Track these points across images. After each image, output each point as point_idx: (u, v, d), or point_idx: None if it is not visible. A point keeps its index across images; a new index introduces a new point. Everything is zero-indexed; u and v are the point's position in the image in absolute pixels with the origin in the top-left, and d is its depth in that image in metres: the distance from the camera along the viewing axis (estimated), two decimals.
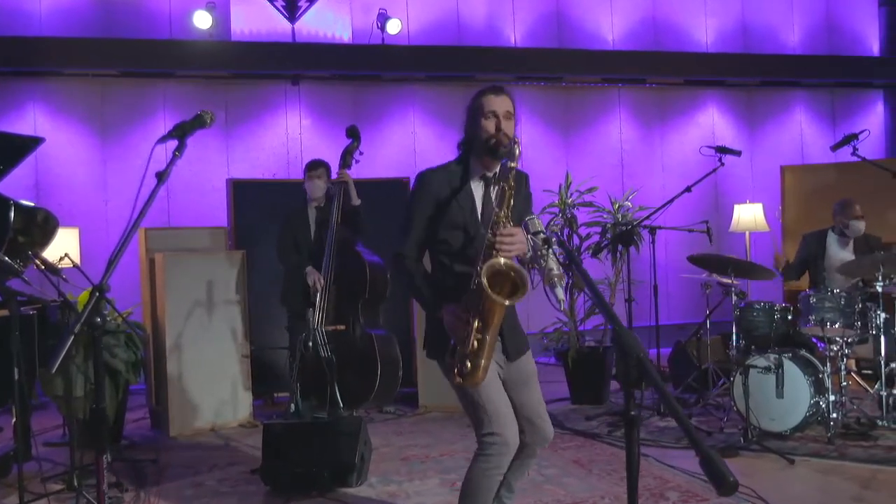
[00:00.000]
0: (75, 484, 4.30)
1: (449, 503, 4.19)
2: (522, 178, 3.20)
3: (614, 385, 6.85)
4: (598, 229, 6.74)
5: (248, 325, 6.36)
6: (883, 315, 5.34)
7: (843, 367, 5.41)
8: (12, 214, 4.66)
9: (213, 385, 6.15)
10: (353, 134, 5.69)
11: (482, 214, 3.09)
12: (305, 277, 5.67)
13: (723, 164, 5.97)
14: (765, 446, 4.93)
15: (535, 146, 9.05)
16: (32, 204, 5.09)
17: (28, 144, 4.99)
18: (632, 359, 1.86)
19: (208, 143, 8.32)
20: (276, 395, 6.98)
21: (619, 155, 9.75)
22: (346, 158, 5.70)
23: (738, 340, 5.51)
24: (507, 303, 2.80)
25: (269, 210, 6.66)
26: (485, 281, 2.76)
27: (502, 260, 2.82)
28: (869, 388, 5.94)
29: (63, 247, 5.51)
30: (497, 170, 3.11)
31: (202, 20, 8.24)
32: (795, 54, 10.30)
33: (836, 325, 5.26)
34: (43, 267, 4.49)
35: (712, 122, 10.11)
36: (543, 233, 2.67)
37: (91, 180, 8.20)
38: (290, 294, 5.89)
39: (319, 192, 5.90)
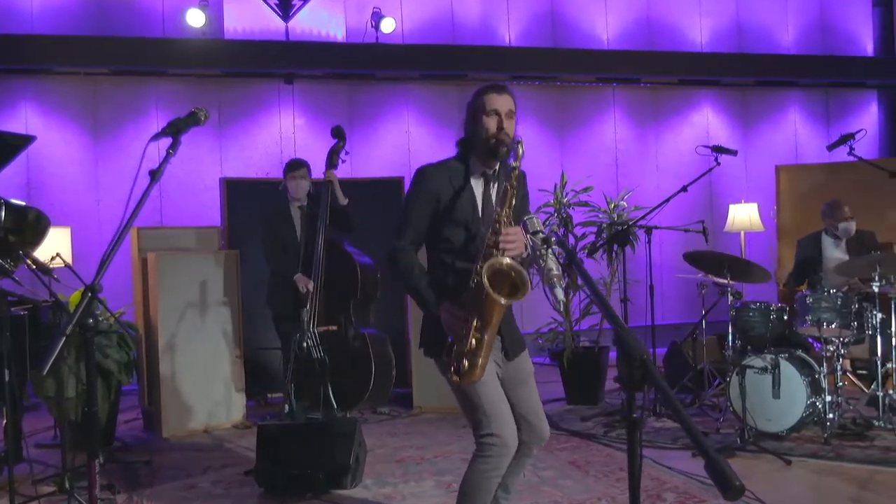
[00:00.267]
0: (67, 486, 4.26)
1: None
2: (521, 177, 3.18)
3: (609, 385, 6.83)
4: (594, 229, 6.72)
5: (242, 326, 6.32)
6: (879, 315, 5.33)
7: (838, 368, 5.39)
8: (3, 213, 4.61)
9: (206, 386, 6.11)
10: (338, 134, 5.67)
11: (482, 213, 3.06)
12: (296, 284, 5.62)
13: (719, 164, 5.95)
14: (761, 447, 4.91)
15: (529, 145, 8.88)
16: (24, 203, 5.04)
17: (19, 143, 4.93)
18: (635, 361, 1.83)
19: (201, 142, 8.28)
20: (269, 395, 6.94)
21: (613, 154, 9.74)
22: (333, 158, 5.67)
23: (734, 340, 5.50)
24: (506, 302, 2.77)
25: (262, 209, 6.60)
26: (486, 280, 2.73)
27: (504, 260, 2.80)
28: (865, 389, 5.93)
29: (54, 246, 5.45)
30: (497, 167, 3.08)
31: (195, 18, 8.19)
32: (790, 54, 10.31)
33: (833, 326, 5.25)
34: (34, 267, 4.45)
35: (707, 121, 10.10)
36: (542, 232, 2.64)
37: (83, 179, 8.14)
38: (277, 296, 5.84)
39: (303, 191, 5.86)
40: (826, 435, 5.08)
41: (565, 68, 9.40)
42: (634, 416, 1.92)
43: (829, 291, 5.35)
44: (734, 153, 6.03)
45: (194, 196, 8.31)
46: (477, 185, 3.10)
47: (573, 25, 9.66)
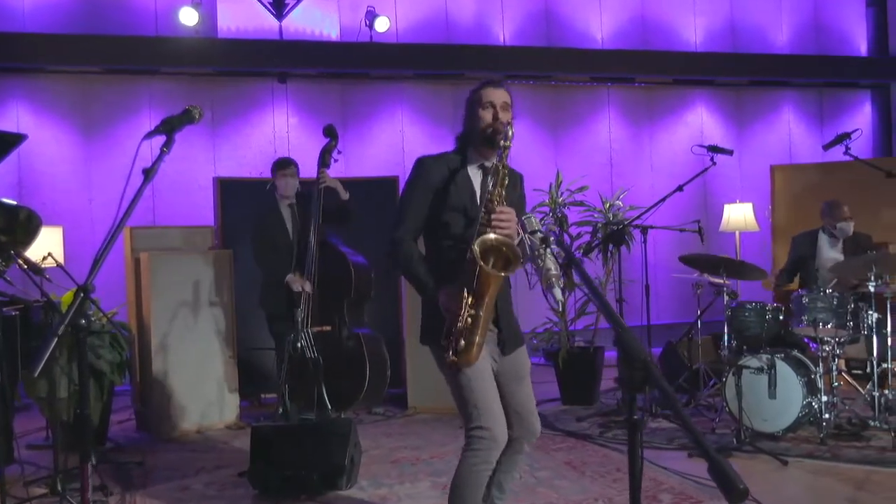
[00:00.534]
0: (59, 488, 4.23)
1: None
2: (517, 178, 3.21)
3: (604, 385, 6.82)
4: (589, 229, 6.70)
5: (235, 326, 6.28)
6: (875, 315, 5.32)
7: (834, 368, 5.39)
8: None
9: (199, 386, 6.07)
10: (330, 133, 5.64)
11: (481, 201, 3.06)
12: (290, 285, 5.58)
13: (714, 164, 5.94)
14: (758, 447, 4.89)
15: (524, 145, 8.99)
16: (15, 202, 4.99)
17: (10, 141, 4.88)
18: (636, 362, 1.81)
19: (194, 141, 8.23)
20: (263, 396, 6.90)
21: (608, 154, 9.72)
22: (325, 158, 5.64)
23: (729, 341, 5.48)
24: (496, 273, 2.77)
25: (255, 209, 6.57)
26: (477, 251, 2.73)
27: (493, 235, 2.82)
28: (860, 389, 5.93)
29: (46, 246, 5.41)
30: (494, 160, 3.09)
31: (188, 17, 8.15)
32: (784, 54, 10.31)
33: (829, 326, 5.23)
34: (26, 266, 4.41)
35: (701, 121, 10.10)
36: (541, 232, 2.62)
37: (75, 178, 8.09)
38: (270, 296, 5.79)
39: (293, 189, 5.85)
40: (822, 435, 5.07)
41: (560, 67, 9.39)
42: (635, 417, 1.90)
43: (825, 291, 5.33)
44: (730, 153, 6.03)
45: (187, 195, 8.27)
46: (475, 176, 3.13)
47: (567, 24, 9.64)
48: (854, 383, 6.00)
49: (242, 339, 6.45)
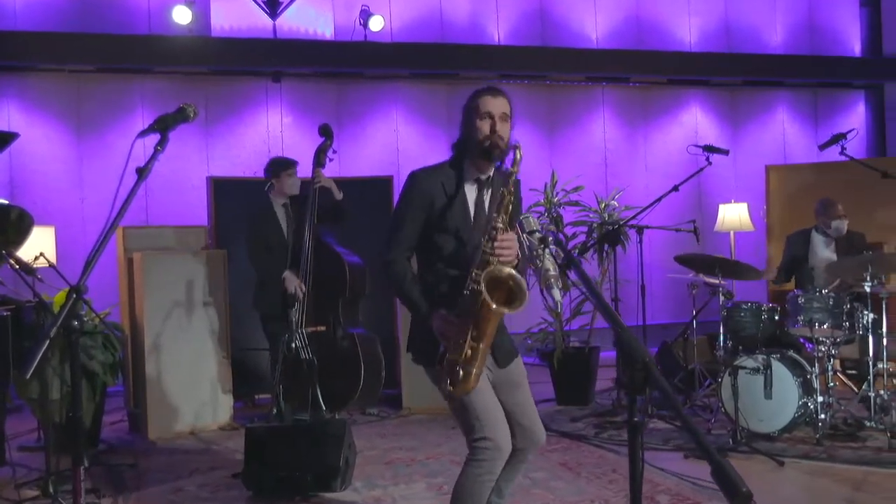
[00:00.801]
0: (51, 490, 4.19)
1: None
2: (516, 183, 3.14)
3: (599, 385, 6.80)
4: (585, 229, 6.69)
5: (229, 326, 6.25)
6: (871, 315, 5.31)
7: (829, 368, 5.38)
8: None
9: (192, 387, 6.03)
10: (325, 132, 5.62)
11: (474, 218, 3.01)
12: (284, 284, 5.55)
13: (710, 164, 5.93)
14: (754, 448, 4.89)
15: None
16: (6, 202, 4.97)
17: (2, 140, 4.85)
18: (637, 364, 1.78)
19: (188, 140, 8.19)
20: (256, 396, 6.87)
21: (602, 154, 9.71)
22: (320, 157, 5.62)
23: (725, 341, 5.47)
24: (505, 311, 2.73)
25: (249, 209, 6.53)
26: (485, 290, 2.68)
27: (505, 269, 2.76)
28: (854, 389, 5.92)
29: (38, 246, 5.36)
30: (490, 173, 3.04)
31: (181, 15, 8.10)
32: (778, 54, 10.31)
33: (825, 326, 5.23)
34: (17, 266, 4.37)
35: (696, 121, 10.09)
36: (539, 232, 2.59)
37: (67, 178, 8.04)
38: (264, 296, 5.75)
39: (296, 189, 5.83)
40: (818, 436, 5.07)
41: (554, 67, 9.37)
42: (636, 420, 1.88)
43: (820, 291, 5.33)
44: (726, 153, 6.02)
45: (181, 195, 8.22)
46: (470, 191, 3.05)
47: (562, 24, 9.62)
48: (849, 383, 6.00)
49: (236, 340, 6.41)
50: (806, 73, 10.25)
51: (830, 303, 5.24)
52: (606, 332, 7.43)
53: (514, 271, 2.79)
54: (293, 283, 5.52)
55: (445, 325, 2.85)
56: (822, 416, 5.12)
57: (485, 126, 2.97)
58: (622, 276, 6.58)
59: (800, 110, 10.56)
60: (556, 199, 6.69)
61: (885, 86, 10.61)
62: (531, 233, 2.61)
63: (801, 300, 5.33)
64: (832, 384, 5.33)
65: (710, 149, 5.86)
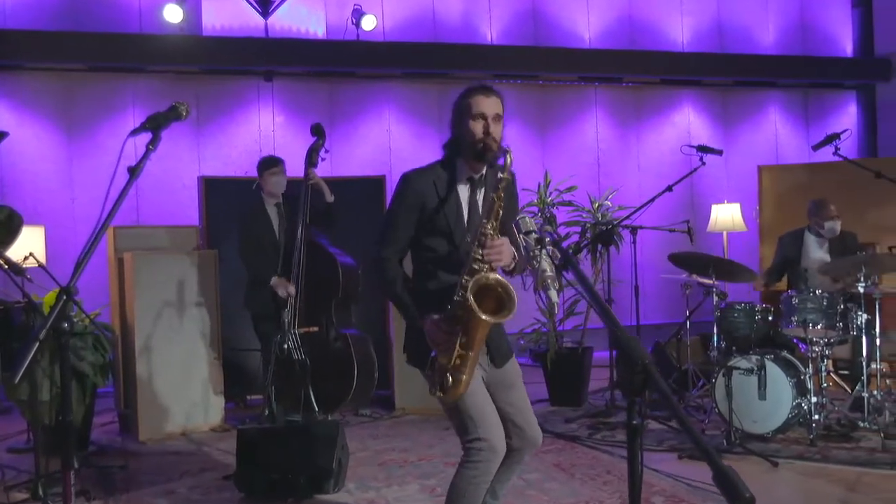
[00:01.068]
0: (40, 493, 4.15)
1: None
2: (510, 182, 3.10)
3: (592, 386, 6.79)
4: (578, 229, 6.68)
5: (220, 327, 6.21)
6: (864, 316, 5.31)
7: (823, 368, 5.37)
8: None
9: (183, 388, 5.99)
10: (318, 132, 5.59)
11: (468, 219, 2.99)
12: (275, 288, 5.50)
13: (704, 164, 5.93)
14: (748, 449, 4.88)
15: (511, 144, 8.86)
16: None
17: None
18: (637, 366, 1.76)
19: (179, 139, 8.14)
20: (248, 397, 6.82)
21: (595, 154, 9.70)
22: (312, 157, 5.58)
23: (718, 341, 5.46)
24: (492, 320, 2.71)
25: (241, 209, 6.48)
26: (471, 298, 2.66)
27: (491, 275, 2.74)
28: (847, 389, 5.92)
29: (28, 246, 5.32)
30: (483, 172, 3.01)
31: (173, 14, 8.05)
32: (770, 55, 10.32)
33: (819, 326, 5.22)
34: (6, 267, 4.33)
35: (688, 121, 10.09)
36: (536, 232, 2.57)
37: (57, 177, 7.98)
38: (256, 296, 5.71)
39: (282, 188, 5.77)
40: (812, 436, 5.06)
41: (547, 67, 9.36)
42: (634, 422, 1.86)
43: (814, 292, 5.32)
44: (719, 153, 6.02)
45: (172, 195, 8.17)
46: (463, 191, 3.03)
47: (555, 24, 9.61)
48: (842, 384, 6.00)
49: (227, 340, 6.37)
50: (798, 74, 10.27)
51: (824, 303, 5.23)
52: (600, 333, 7.43)
53: (501, 278, 2.77)
54: (282, 287, 5.47)
55: (436, 330, 2.82)
56: (816, 416, 5.12)
57: (478, 128, 2.93)
58: (615, 276, 6.57)
59: (791, 110, 10.57)
60: (549, 200, 6.67)
61: (877, 86, 10.62)
62: (528, 233, 2.59)
63: (794, 301, 5.32)
64: (825, 385, 5.32)
65: (703, 149, 5.85)
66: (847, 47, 10.72)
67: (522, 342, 6.77)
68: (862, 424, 5.26)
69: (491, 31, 9.39)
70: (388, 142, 8.99)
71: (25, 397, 4.69)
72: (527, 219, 2.67)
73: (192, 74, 8.37)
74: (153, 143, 2.53)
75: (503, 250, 2.80)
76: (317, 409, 5.42)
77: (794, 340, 5.70)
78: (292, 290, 5.46)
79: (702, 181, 9.70)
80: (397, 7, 9.04)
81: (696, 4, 10.14)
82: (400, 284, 2.99)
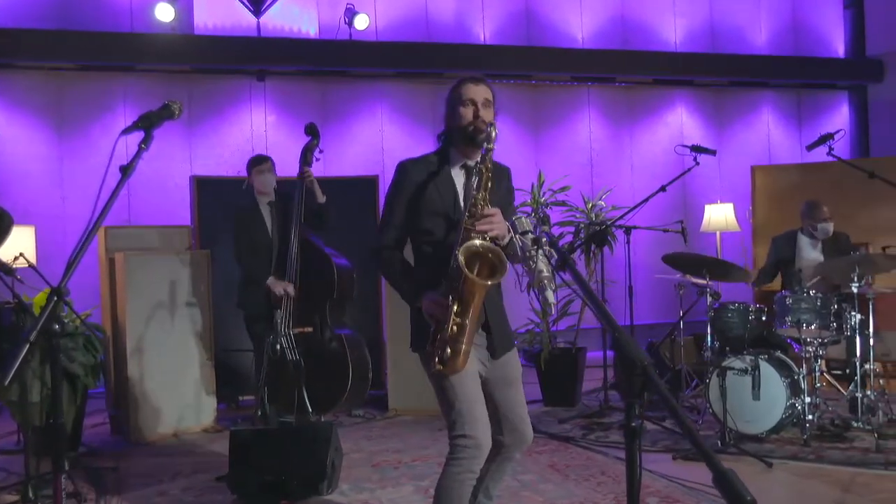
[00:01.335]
0: (31, 495, 4.11)
1: None
2: (503, 172, 3.13)
3: (586, 386, 6.78)
4: (571, 229, 6.66)
5: (212, 327, 6.17)
6: (858, 316, 5.31)
7: (816, 369, 5.37)
8: None
9: (175, 389, 5.95)
10: (312, 131, 5.57)
11: (465, 203, 2.99)
12: (272, 289, 5.47)
13: (698, 164, 5.92)
14: (742, 449, 4.86)
15: (504, 144, 8.86)
16: None
17: None
18: (636, 368, 1.74)
19: (171, 138, 8.10)
20: (240, 398, 6.79)
21: (588, 154, 9.70)
22: (307, 156, 5.56)
23: (712, 342, 5.46)
24: (482, 282, 2.71)
25: (233, 208, 6.46)
26: (461, 259, 2.66)
27: (478, 241, 2.74)
28: (841, 389, 5.93)
29: (18, 246, 5.28)
30: (477, 158, 3.02)
31: (164, 13, 8.02)
32: (762, 55, 10.34)
33: (813, 327, 5.22)
34: None
35: (681, 121, 10.10)
36: (532, 233, 2.55)
37: (47, 177, 7.93)
38: (249, 296, 5.67)
39: (270, 186, 5.74)
40: (806, 437, 5.05)
41: (540, 67, 9.35)
42: (633, 424, 1.85)
43: (808, 292, 5.32)
44: (713, 153, 6.02)
45: (163, 194, 8.13)
46: (458, 177, 3.06)
47: (548, 24, 9.60)
48: (836, 384, 6.00)
49: (220, 341, 6.34)
50: (790, 74, 10.29)
51: (818, 304, 5.23)
52: (593, 333, 7.43)
53: (490, 244, 2.77)
54: (279, 287, 5.44)
55: (433, 305, 2.83)
56: (810, 416, 5.11)
57: (468, 112, 2.98)
58: (609, 276, 6.56)
59: (784, 111, 10.59)
60: (542, 200, 6.66)
61: (869, 87, 10.66)
62: (524, 234, 2.57)
63: (788, 301, 5.32)
64: (819, 385, 5.32)
65: (697, 149, 5.85)
66: (839, 48, 10.75)
67: (516, 342, 6.74)
68: (855, 425, 5.26)
69: (484, 30, 9.38)
70: (380, 142, 8.97)
71: (16, 398, 4.65)
72: (523, 219, 2.66)
73: (184, 74, 8.34)
74: (145, 142, 2.50)
75: (494, 220, 2.82)
76: (310, 409, 5.39)
77: (788, 340, 5.70)
78: (291, 289, 5.43)
79: (695, 181, 9.70)
80: (390, 6, 9.02)
81: (689, 5, 10.15)
82: (399, 269, 3.03)
